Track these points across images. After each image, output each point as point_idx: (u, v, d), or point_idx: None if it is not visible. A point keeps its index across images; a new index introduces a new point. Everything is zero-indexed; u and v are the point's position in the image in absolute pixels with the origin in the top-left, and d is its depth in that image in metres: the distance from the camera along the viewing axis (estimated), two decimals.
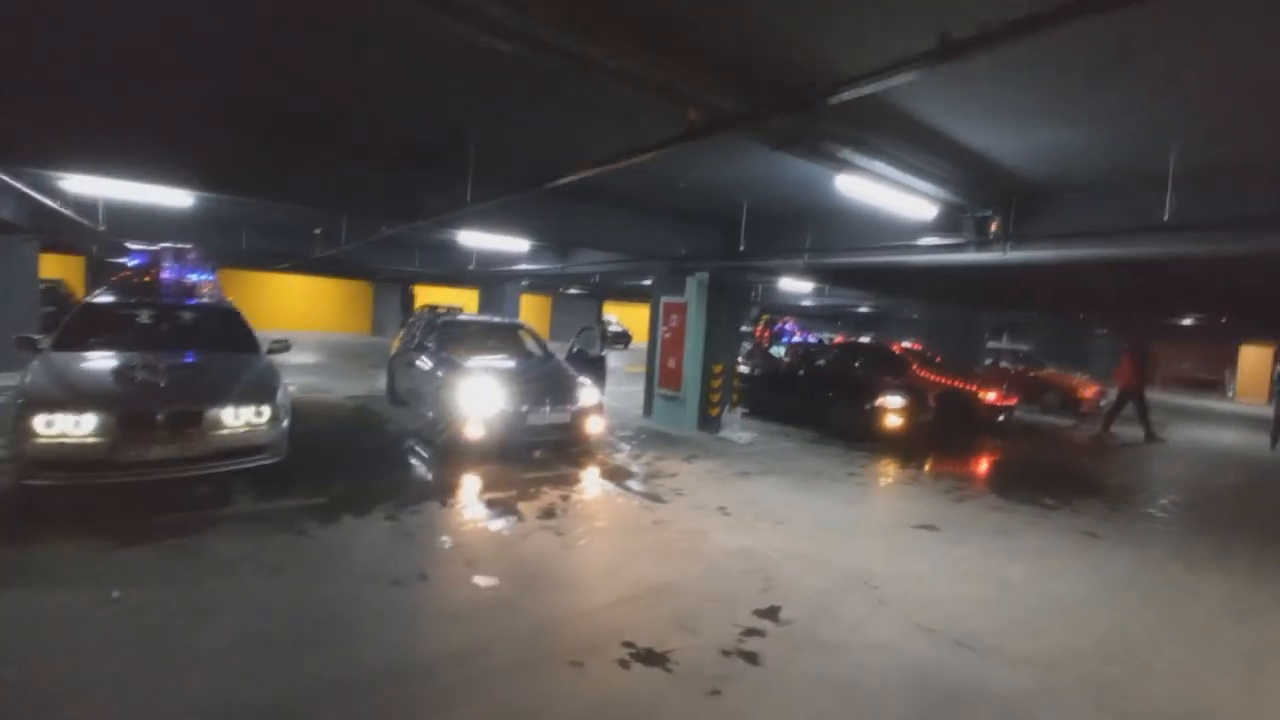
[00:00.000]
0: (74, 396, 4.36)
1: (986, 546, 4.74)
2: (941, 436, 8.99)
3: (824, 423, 9.15)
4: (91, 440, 4.23)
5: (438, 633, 3.04)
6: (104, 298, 6.15)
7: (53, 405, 4.23)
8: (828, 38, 3.05)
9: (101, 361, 5.03)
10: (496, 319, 9.03)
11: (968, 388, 10.29)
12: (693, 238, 8.29)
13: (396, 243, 12.29)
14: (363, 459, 6.20)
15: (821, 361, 10.56)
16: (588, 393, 6.86)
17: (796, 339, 11.48)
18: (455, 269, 13.37)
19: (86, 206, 8.72)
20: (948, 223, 5.25)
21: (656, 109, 3.34)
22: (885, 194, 4.54)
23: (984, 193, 5.12)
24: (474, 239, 9.71)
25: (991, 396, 10.28)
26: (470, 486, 5.44)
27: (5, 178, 6.43)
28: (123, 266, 6.53)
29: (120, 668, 2.59)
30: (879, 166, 4.01)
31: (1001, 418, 10.36)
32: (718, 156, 5.26)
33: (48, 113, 5.04)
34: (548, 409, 6.49)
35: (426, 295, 24.69)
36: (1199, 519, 6.12)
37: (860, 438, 8.58)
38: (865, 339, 11.97)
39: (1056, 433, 11.09)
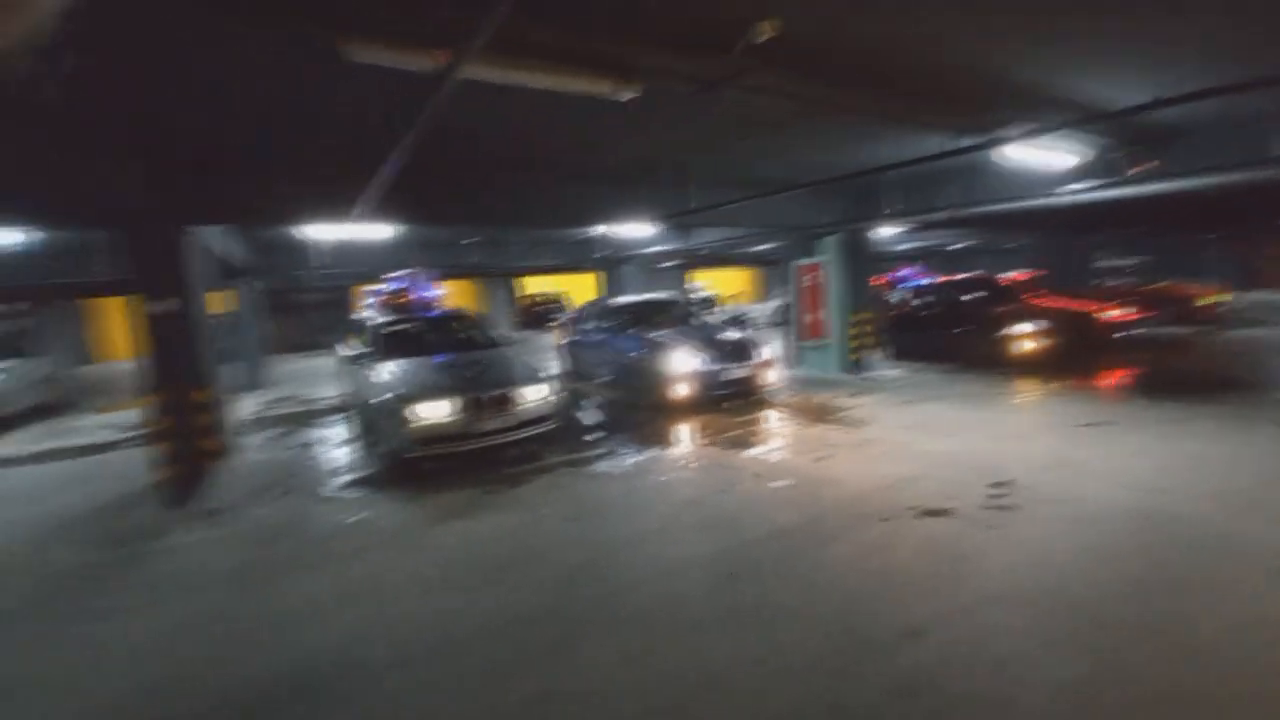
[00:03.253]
0: (430, 390, 5.98)
1: (1158, 433, 5.71)
2: (1070, 357, 9.73)
3: (955, 356, 10.08)
4: (449, 419, 5.84)
5: (777, 513, 4.41)
6: (383, 318, 7.87)
7: (419, 397, 5.86)
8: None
9: (421, 364, 6.67)
10: (657, 296, 10.36)
11: (1087, 309, 10.89)
12: (829, 206, 9.31)
13: (534, 242, 13.82)
14: (598, 421, 7.71)
15: (942, 300, 11.39)
16: (764, 349, 8.13)
17: (916, 283, 12.25)
18: (579, 259, 14.82)
19: (297, 247, 10.61)
20: (1087, 166, 6.12)
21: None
22: (1035, 154, 5.50)
23: (1121, 137, 5.96)
24: (617, 231, 11.04)
25: (1111, 315, 10.84)
26: (698, 431, 6.83)
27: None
28: (381, 293, 8.22)
29: (593, 551, 4.09)
30: (1034, 139, 4.99)
31: (1124, 334, 10.91)
32: (880, 143, 6.30)
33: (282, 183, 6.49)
34: (736, 365, 7.82)
35: (527, 287, 26.54)
36: None
37: (994, 365, 9.47)
38: (976, 275, 12.62)
39: (1183, 342, 11.52)
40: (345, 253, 10.95)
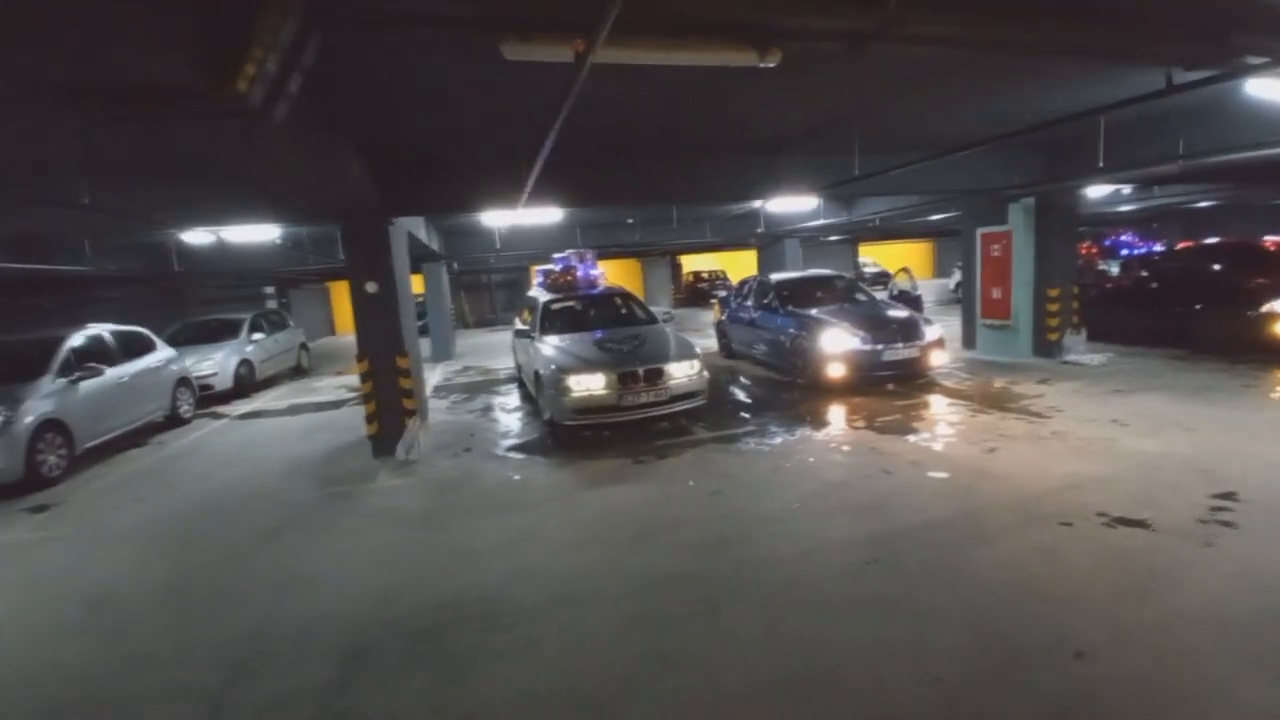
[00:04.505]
0: (588, 363, 6.37)
1: None
2: None
3: (1188, 338, 8.39)
4: (605, 391, 6.19)
5: (932, 504, 4.10)
6: (548, 295, 8.50)
7: (577, 369, 6.27)
8: None
9: (580, 339, 7.12)
10: (820, 273, 9.95)
11: None
12: (1015, 166, 8.20)
13: (692, 219, 13.92)
14: (748, 399, 7.67)
15: (1174, 271, 9.51)
16: (933, 329, 7.47)
17: (1134, 251, 10.35)
18: (739, 235, 14.63)
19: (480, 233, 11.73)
20: None
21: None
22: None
23: None
24: (777, 205, 10.74)
25: None
26: (855, 412, 6.50)
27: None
28: (550, 272, 8.88)
29: (732, 524, 4.13)
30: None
31: None
32: (1079, 85, 5.39)
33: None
34: (900, 345, 7.28)
35: (689, 264, 26.83)
36: None
37: (1241, 349, 7.75)
38: (1223, 239, 10.32)
39: None
40: (519, 236, 11.94)
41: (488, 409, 8.20)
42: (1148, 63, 4.01)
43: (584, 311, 8.09)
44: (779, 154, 7.30)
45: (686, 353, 6.59)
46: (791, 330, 8.07)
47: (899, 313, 7.95)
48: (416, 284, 10.09)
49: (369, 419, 6.16)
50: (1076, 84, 5.18)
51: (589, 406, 6.21)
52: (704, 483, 4.82)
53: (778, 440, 5.78)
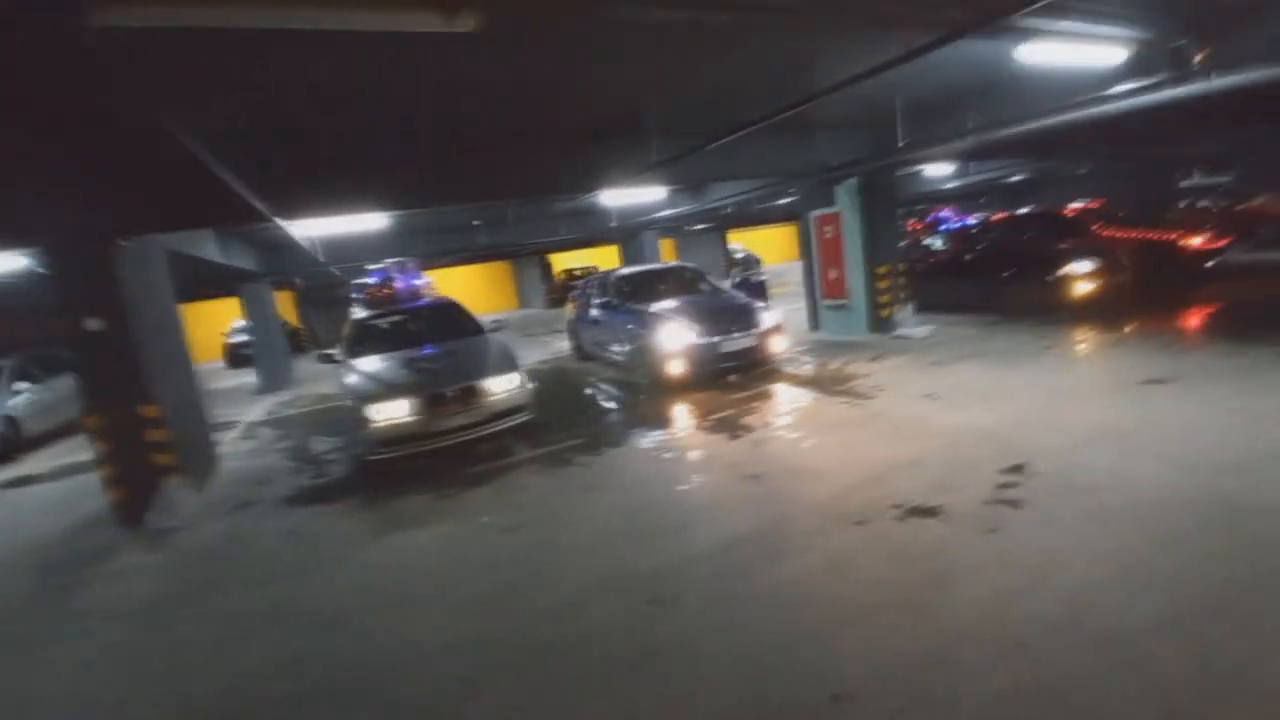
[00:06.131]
0: (391, 388, 5.60)
1: (1228, 389, 4.66)
2: (1143, 295, 8.38)
3: (1001, 305, 8.90)
4: (410, 419, 5.46)
5: (740, 514, 3.77)
6: (365, 312, 7.59)
7: (378, 397, 5.49)
8: None
9: (390, 360, 6.31)
10: (663, 265, 9.66)
11: (1166, 237, 9.38)
12: (840, 146, 8.26)
13: (542, 217, 13.28)
14: (587, 407, 7.20)
15: (987, 242, 10.10)
16: (768, 315, 7.33)
17: (955, 224, 10.97)
18: (595, 230, 14.17)
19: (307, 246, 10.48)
20: (1139, 63, 4.95)
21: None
22: (1069, 50, 4.43)
23: (1179, 20, 4.76)
24: (619, 197, 10.35)
25: (1196, 242, 9.30)
26: (692, 412, 6.19)
27: (287, 227, 7.99)
28: (365, 286, 7.96)
29: (520, 568, 3.59)
30: (1065, 25, 3.96)
31: (1212, 263, 9.35)
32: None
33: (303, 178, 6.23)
34: (736, 335, 7.07)
35: (561, 263, 26.16)
36: None
37: (1047, 312, 8.27)
38: (1030, 209, 11.17)
39: None
40: (342, 246, 10.76)
41: (300, 446, 7.18)
42: (915, 29, 3.87)
43: (400, 328, 7.25)
44: (596, 142, 6.84)
45: (505, 366, 5.99)
46: (631, 327, 7.68)
47: (736, 302, 7.77)
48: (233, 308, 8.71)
49: (109, 484, 5.05)
50: (859, 55, 5.07)
51: (395, 437, 5.46)
52: (505, 517, 4.25)
53: (602, 453, 5.32)
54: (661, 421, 6.01)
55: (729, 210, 14.83)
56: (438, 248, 13.42)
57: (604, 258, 25.65)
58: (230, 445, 7.60)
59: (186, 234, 7.32)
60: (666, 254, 29.24)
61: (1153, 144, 11.71)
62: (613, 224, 12.99)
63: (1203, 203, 12.39)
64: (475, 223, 13.18)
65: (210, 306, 17.58)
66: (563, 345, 10.88)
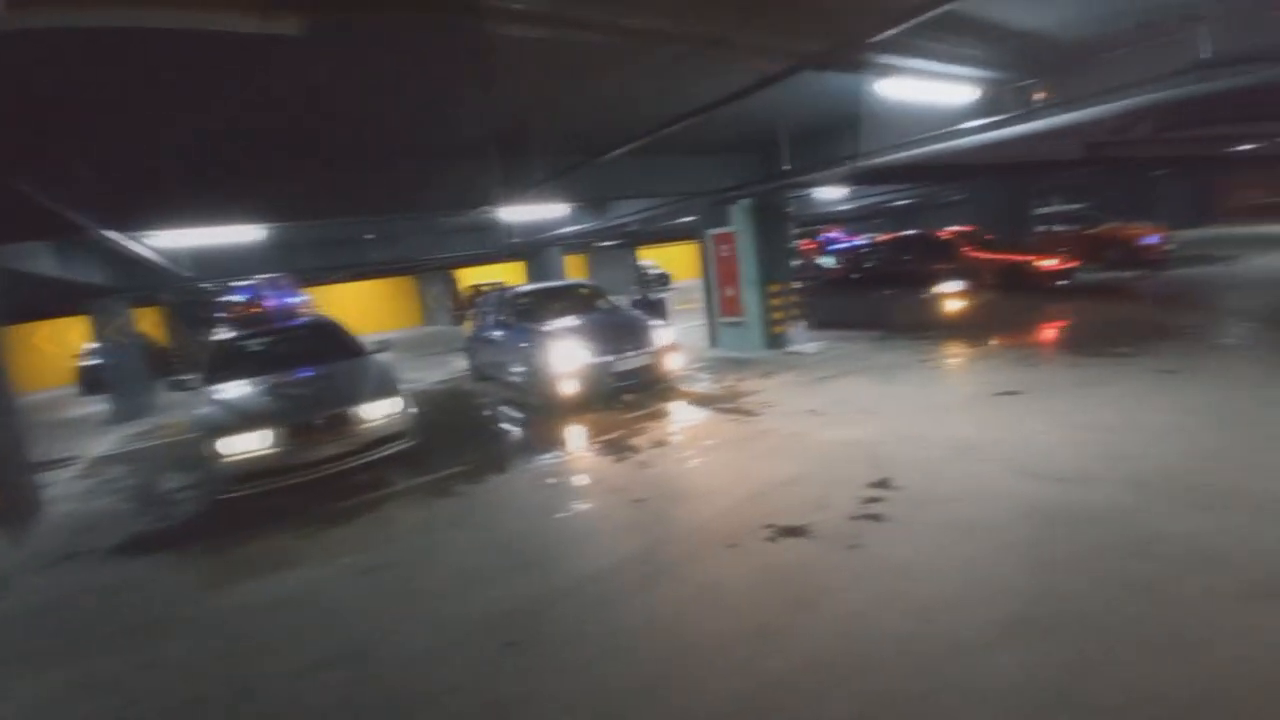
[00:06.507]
0: (247, 419, 5.10)
1: (1070, 398, 5.06)
2: (1004, 312, 9.10)
3: (886, 321, 9.38)
4: (270, 451, 4.98)
5: (616, 541, 3.65)
6: (229, 334, 6.93)
7: (231, 429, 4.98)
8: None
9: (253, 386, 5.76)
10: (560, 283, 9.50)
11: (1024, 259, 10.30)
12: (733, 168, 8.47)
13: (439, 232, 12.81)
14: (478, 431, 6.89)
15: (872, 262, 10.69)
16: (663, 333, 7.33)
17: (845, 245, 11.55)
18: (496, 246, 13.84)
19: (169, 258, 9.54)
20: (991, 100, 5.35)
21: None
22: (927, 87, 4.71)
23: (1023, 64, 5.19)
24: (516, 213, 10.13)
25: (1049, 264, 10.27)
26: (582, 434, 6.04)
27: (129, 240, 7.19)
28: (229, 305, 7.26)
29: (377, 618, 3.29)
30: (919, 64, 4.19)
31: (1064, 282, 10.35)
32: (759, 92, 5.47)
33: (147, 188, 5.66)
34: (630, 354, 7.01)
35: (468, 278, 25.43)
36: (1271, 344, 6.22)
37: (924, 328, 8.80)
38: (911, 232, 11.96)
39: (1123, 286, 10.97)
40: (214, 260, 9.87)
41: (147, 484, 6.41)
42: (782, 60, 3.95)
43: (268, 350, 6.68)
44: (479, 158, 6.63)
45: (384, 390, 5.61)
46: (525, 347, 7.45)
47: (632, 320, 7.73)
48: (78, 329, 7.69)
49: None
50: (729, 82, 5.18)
51: (251, 471, 4.97)
52: (369, 556, 3.91)
53: (485, 481, 5.06)
54: (551, 445, 5.82)
55: (634, 227, 14.93)
56: (326, 262, 12.64)
57: (515, 274, 25.21)
58: (64, 486, 6.69)
59: (14, 245, 6.44)
60: (577, 271, 29.21)
61: (1014, 174, 12.85)
62: (513, 240, 12.71)
63: (1058, 228, 13.71)
64: (368, 236, 12.54)
65: (65, 324, 15.72)
66: (463, 365, 10.46)
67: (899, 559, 3.04)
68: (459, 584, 3.39)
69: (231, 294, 7.34)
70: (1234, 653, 2.15)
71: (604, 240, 20.83)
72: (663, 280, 27.26)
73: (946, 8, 2.76)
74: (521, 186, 6.71)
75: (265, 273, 9.43)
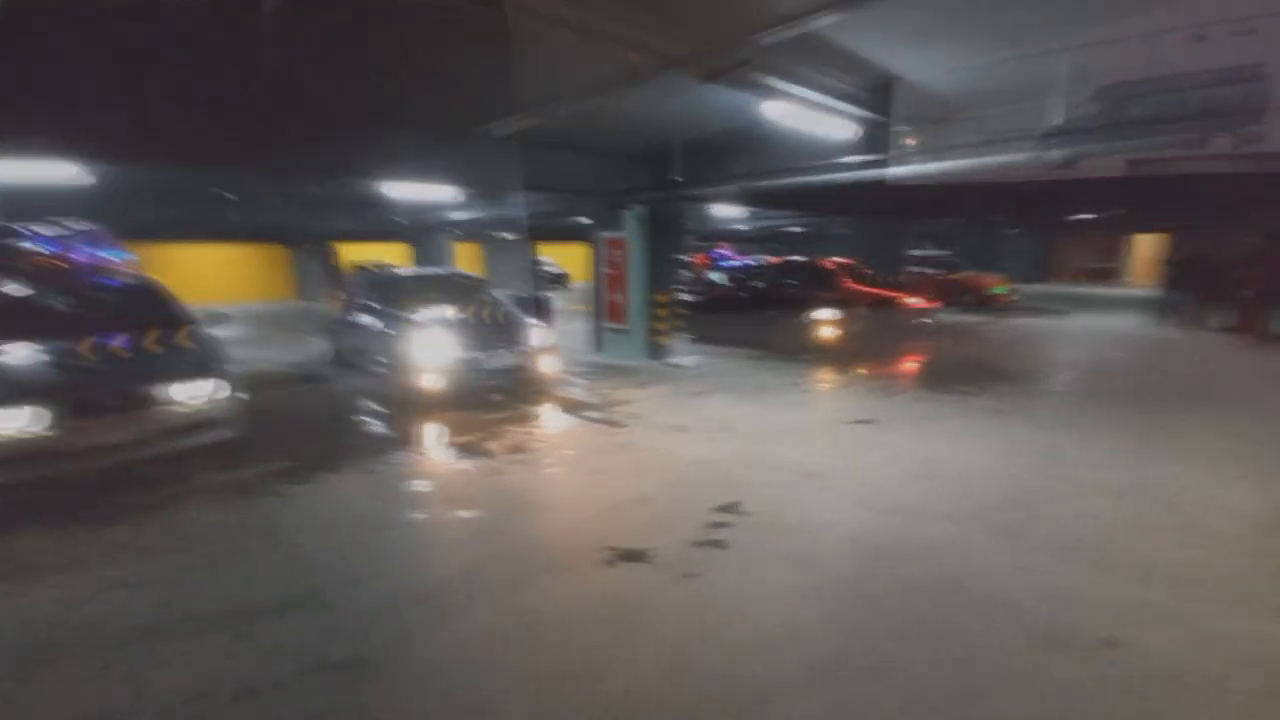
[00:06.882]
0: (11, 391, 4.23)
1: (914, 431, 5.34)
2: (872, 343, 9.63)
3: (766, 341, 9.64)
4: (35, 432, 4.16)
5: (438, 560, 3.32)
6: (17, 289, 5.79)
7: None
8: None
9: (33, 352, 4.82)
10: (437, 270, 8.93)
11: (893, 296, 11.00)
12: (628, 173, 8.35)
13: (318, 202, 11.74)
14: (322, 423, 6.24)
15: (759, 283, 10.98)
16: (539, 333, 7.03)
17: (734, 263, 11.83)
18: (382, 224, 12.92)
19: None
20: (870, 141, 5.57)
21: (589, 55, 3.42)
22: (810, 117, 4.80)
23: (902, 111, 5.44)
24: (402, 190, 9.46)
25: (914, 302, 11.04)
26: (437, 434, 5.61)
27: None
28: (22, 254, 6.08)
29: (132, 646, 2.76)
30: (802, 91, 4.23)
31: (926, 320, 11.17)
32: (650, 95, 5.33)
33: None
34: (501, 352, 6.65)
35: (353, 254, 23.69)
36: (1093, 391, 6.98)
37: (799, 351, 9.12)
38: (799, 258, 12.47)
39: (973, 329, 12.03)
40: (24, 200, 8.37)
41: None
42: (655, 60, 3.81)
43: (66, 313, 5.65)
44: (339, 127, 6.04)
45: (204, 369, 4.89)
46: (391, 334, 6.87)
47: (509, 318, 7.36)
48: None
49: None
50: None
51: (13, 456, 4.12)
52: (144, 567, 3.30)
53: (313, 482, 4.51)
54: (400, 444, 5.34)
55: (529, 220, 14.50)
56: (172, 218, 11.20)
57: (407, 256, 23.79)
58: None
59: None
60: (472, 262, 28.13)
61: (888, 216, 13.80)
62: (398, 219, 11.88)
63: (925, 270, 14.88)
64: (229, 196, 11.22)
65: None
66: (325, 348, 9.56)
67: (731, 591, 2.96)
68: (238, 609, 2.91)
69: (27, 240, 6.14)
70: (1011, 706, 2.21)
71: (501, 232, 20.17)
72: (560, 280, 26.86)
73: (805, 26, 2.72)
74: (395, 161, 6.17)
75: (90, 222, 8.08)
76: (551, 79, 4.38)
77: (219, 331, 6.10)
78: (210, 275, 21.45)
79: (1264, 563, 3.14)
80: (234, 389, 4.99)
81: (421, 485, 4.47)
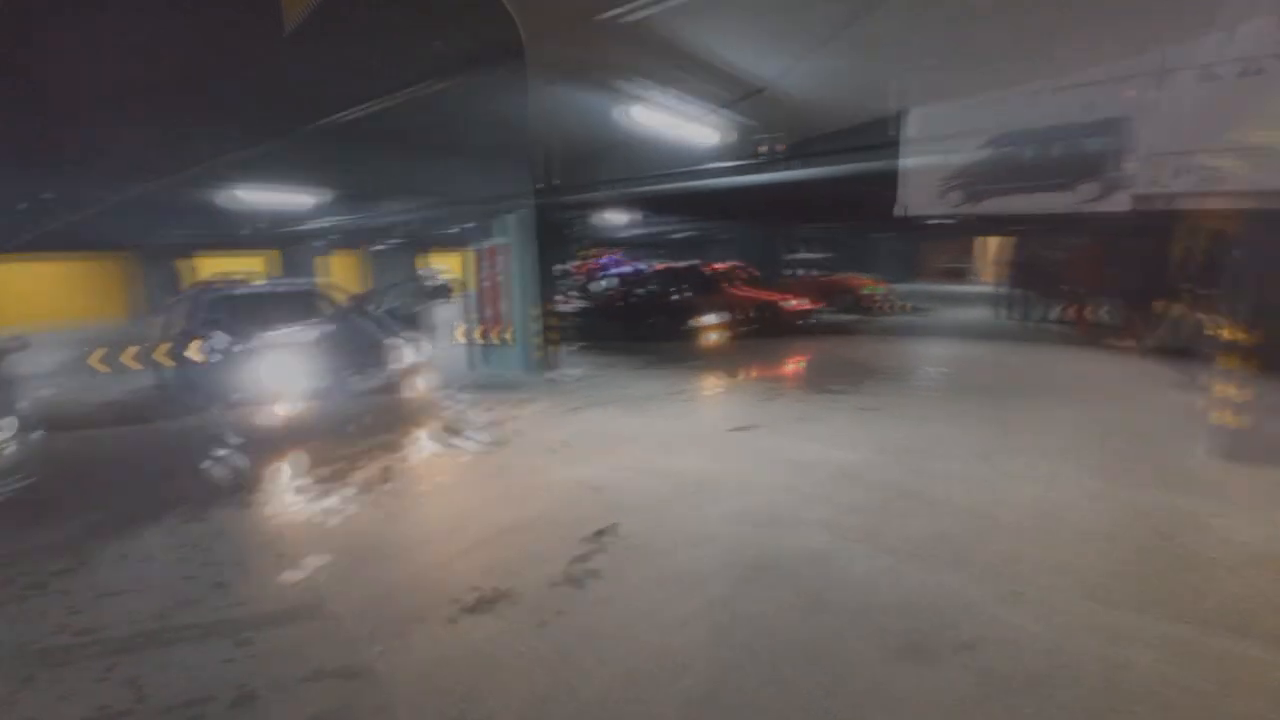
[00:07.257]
0: None
1: (790, 434, 5.41)
2: (755, 345, 9.87)
3: (650, 349, 9.60)
4: None
5: (259, 630, 2.84)
6: None
7: None
8: None
9: None
10: (284, 284, 8.11)
11: (775, 299, 11.37)
12: (505, 179, 8.01)
13: (153, 206, 10.37)
14: (143, 465, 5.40)
15: (643, 290, 10.96)
16: (408, 351, 6.53)
17: (622, 270, 11.76)
18: (234, 232, 11.68)
19: None
20: (742, 148, 5.62)
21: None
22: (678, 123, 4.73)
23: (770, 120, 5.53)
24: (259, 197, 8.57)
25: (795, 304, 11.47)
26: (286, 471, 5.00)
27: None
28: None
29: None
30: (669, 99, 4.15)
31: (806, 321, 11.63)
32: (513, 95, 5.07)
33: None
34: (365, 373, 6.11)
35: (214, 266, 21.37)
36: (954, 383, 7.46)
37: (685, 357, 9.15)
38: (683, 264, 12.61)
39: (847, 328, 12.67)
40: None
41: None
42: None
43: None
44: (163, 115, 5.30)
45: None
46: (226, 361, 6.08)
47: (369, 335, 6.78)
48: None
49: None
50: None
51: None
52: None
53: (94, 559, 3.80)
54: (235, 489, 4.65)
55: (408, 227, 13.71)
56: None
57: (272, 266, 21.75)
58: None
59: None
60: (351, 271, 26.33)
61: (768, 221, 14.32)
62: (255, 227, 10.78)
63: (803, 273, 15.56)
64: (44, 195, 9.65)
65: None
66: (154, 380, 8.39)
67: (600, 628, 2.75)
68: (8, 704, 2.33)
69: None
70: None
71: (381, 240, 19.03)
72: (441, 291, 25.54)
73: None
74: (241, 162, 5.48)
75: None
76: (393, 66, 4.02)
77: (15, 360, 5.17)
78: (22, 292, 18.50)
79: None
80: (27, 430, 4.19)
81: (256, 535, 3.91)
